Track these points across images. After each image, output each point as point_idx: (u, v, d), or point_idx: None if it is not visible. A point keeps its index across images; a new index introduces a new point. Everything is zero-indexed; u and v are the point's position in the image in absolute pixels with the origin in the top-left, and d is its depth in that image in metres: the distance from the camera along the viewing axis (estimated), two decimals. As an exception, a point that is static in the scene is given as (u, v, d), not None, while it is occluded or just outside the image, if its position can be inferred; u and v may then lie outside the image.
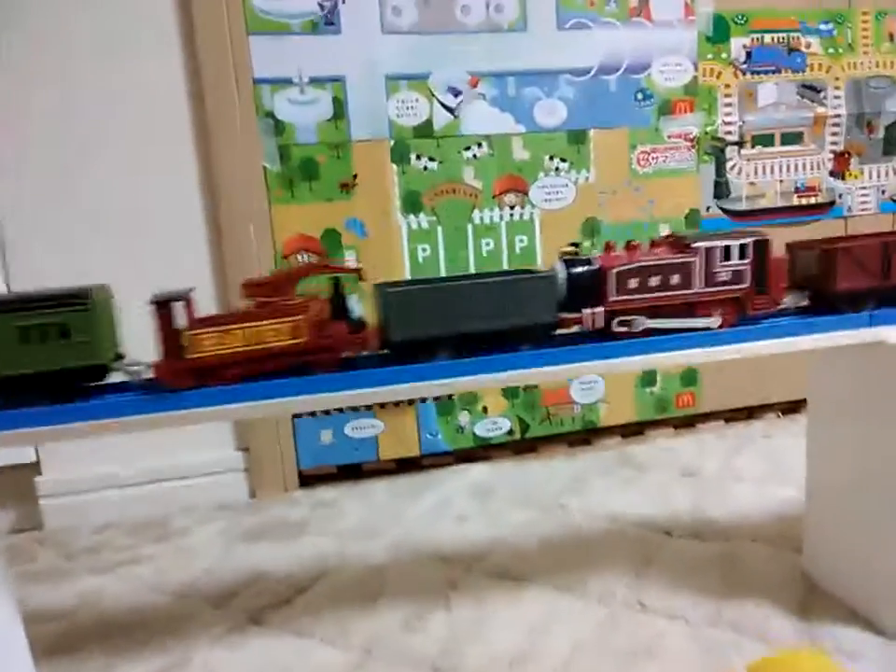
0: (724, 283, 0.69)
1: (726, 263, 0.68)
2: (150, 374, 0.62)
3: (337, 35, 1.15)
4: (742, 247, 0.69)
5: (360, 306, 0.66)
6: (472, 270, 1.23)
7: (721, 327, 0.69)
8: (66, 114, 1.07)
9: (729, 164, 1.34)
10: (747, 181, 1.36)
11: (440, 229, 1.22)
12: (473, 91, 1.21)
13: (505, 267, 1.24)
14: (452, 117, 1.20)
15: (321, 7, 1.14)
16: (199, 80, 1.11)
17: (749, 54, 1.33)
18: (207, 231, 1.15)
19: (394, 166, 1.18)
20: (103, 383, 0.62)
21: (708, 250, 0.68)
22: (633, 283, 0.67)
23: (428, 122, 1.19)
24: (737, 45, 1.32)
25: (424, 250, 1.22)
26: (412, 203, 1.20)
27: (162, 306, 0.60)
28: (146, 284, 1.10)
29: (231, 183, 1.12)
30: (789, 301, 0.73)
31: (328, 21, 1.14)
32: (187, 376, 0.61)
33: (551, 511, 1.03)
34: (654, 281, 0.68)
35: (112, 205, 1.10)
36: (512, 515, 1.03)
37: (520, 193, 1.24)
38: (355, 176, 1.17)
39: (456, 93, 1.20)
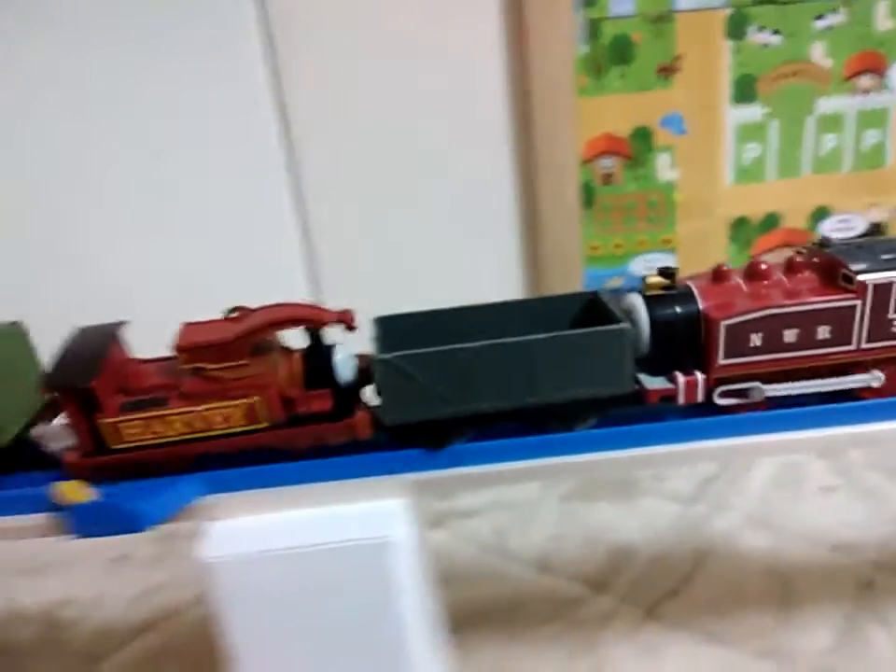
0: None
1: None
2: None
3: None
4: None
5: (352, 364, 0.46)
6: (807, 172, 0.99)
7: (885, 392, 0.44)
8: None
9: None
10: None
11: (773, 123, 0.97)
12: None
13: (847, 165, 0.98)
14: (805, -29, 0.92)
15: None
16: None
17: None
18: (511, 130, 0.95)
19: (728, 43, 0.94)
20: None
21: (881, 288, 0.42)
22: (755, 339, 0.43)
23: (775, -19, 0.92)
24: None
25: (752, 150, 0.98)
26: (745, 91, 0.95)
27: (68, 394, 0.43)
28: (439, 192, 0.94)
29: (542, 70, 0.91)
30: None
31: None
32: (109, 472, 0.45)
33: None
34: (790, 336, 0.43)
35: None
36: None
37: (877, 74, 0.97)
38: (677, 58, 0.93)
39: (817, -66, 0.92)
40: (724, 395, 0.46)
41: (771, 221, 0.99)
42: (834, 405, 0.46)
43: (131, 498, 0.42)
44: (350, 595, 0.42)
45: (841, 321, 0.44)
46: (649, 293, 0.46)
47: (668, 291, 0.46)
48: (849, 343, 0.44)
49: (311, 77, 0.89)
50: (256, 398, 0.44)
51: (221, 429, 0.44)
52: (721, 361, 0.44)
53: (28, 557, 0.85)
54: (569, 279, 0.97)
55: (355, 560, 0.41)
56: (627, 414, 0.47)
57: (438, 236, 0.96)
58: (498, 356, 0.43)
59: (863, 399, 0.47)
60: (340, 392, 0.45)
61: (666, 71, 0.93)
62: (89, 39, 0.86)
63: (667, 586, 0.71)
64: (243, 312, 0.46)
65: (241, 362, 0.44)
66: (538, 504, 0.85)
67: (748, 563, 0.73)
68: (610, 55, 0.92)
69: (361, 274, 0.96)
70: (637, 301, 0.46)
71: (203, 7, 0.86)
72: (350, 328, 0.45)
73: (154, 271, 0.94)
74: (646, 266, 1.00)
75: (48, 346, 0.49)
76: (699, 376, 0.45)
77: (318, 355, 0.46)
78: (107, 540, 0.85)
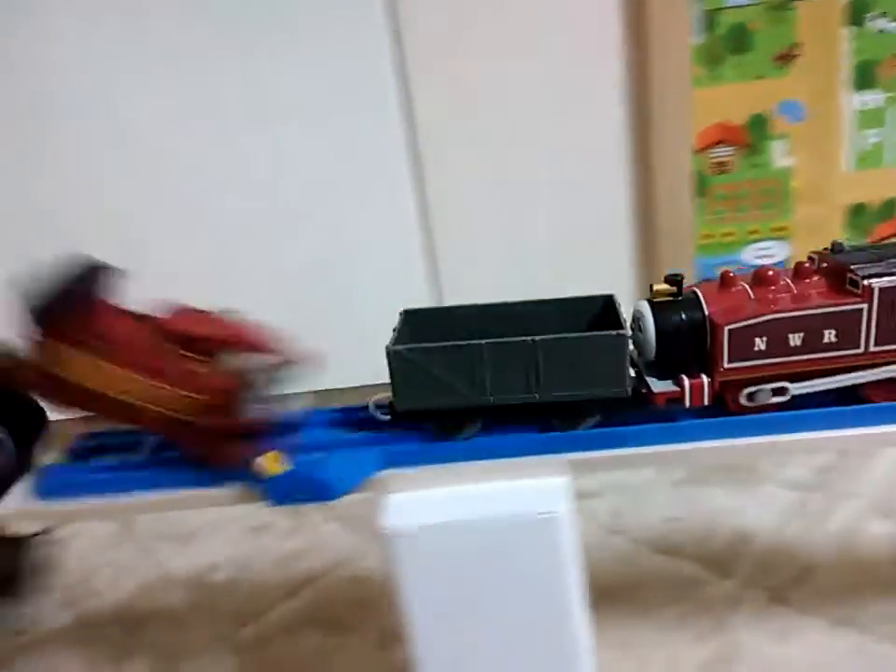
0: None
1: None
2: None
3: None
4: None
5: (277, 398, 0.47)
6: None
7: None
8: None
9: None
10: None
11: (893, 109, 0.95)
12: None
13: None
14: (926, -43, 0.89)
15: None
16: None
17: None
18: (628, 121, 0.96)
19: (847, 29, 0.92)
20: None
21: (886, 291, 0.43)
22: (759, 343, 0.44)
23: (896, -32, 0.90)
24: None
25: (871, 136, 0.96)
26: (864, 77, 0.93)
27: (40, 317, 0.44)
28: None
29: (660, 61, 0.91)
30: None
31: None
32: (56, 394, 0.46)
33: None
34: (795, 339, 0.44)
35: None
36: None
37: None
38: (795, 45, 0.92)
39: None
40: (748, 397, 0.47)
41: (890, 208, 0.97)
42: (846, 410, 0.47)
43: (322, 470, 0.46)
44: (521, 565, 0.45)
45: (847, 325, 0.44)
46: (656, 300, 0.48)
47: (675, 298, 0.48)
48: (857, 347, 0.45)
49: (435, 75, 0.92)
50: (193, 393, 0.46)
51: (154, 405, 0.46)
52: (726, 365, 0.45)
53: (175, 525, 0.92)
54: (680, 268, 0.97)
55: (527, 532, 0.44)
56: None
57: (553, 225, 0.98)
58: (501, 353, 0.46)
59: (873, 401, 0.47)
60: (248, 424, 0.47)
61: (784, 59, 0.92)
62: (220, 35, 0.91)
63: (792, 572, 0.71)
64: (224, 316, 0.48)
65: (197, 358, 0.46)
66: (652, 488, 0.87)
67: (872, 549, 0.72)
68: (726, 45, 0.91)
69: (478, 265, 0.99)
70: (644, 308, 0.48)
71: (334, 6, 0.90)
72: (285, 368, 0.47)
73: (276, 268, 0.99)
74: (756, 255, 1.00)
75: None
76: (704, 379, 0.46)
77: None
78: (246, 511, 0.90)
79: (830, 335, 0.45)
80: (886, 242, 0.46)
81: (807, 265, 0.47)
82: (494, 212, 0.98)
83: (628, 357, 0.46)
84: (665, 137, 0.93)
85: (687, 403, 0.46)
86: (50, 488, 0.49)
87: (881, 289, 0.44)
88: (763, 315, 0.44)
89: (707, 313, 0.46)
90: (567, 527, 0.45)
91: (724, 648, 0.64)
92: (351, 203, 0.97)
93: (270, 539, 0.87)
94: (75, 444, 0.53)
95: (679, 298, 0.48)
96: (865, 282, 0.44)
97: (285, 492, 0.46)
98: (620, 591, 0.72)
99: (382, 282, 0.95)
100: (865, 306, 0.44)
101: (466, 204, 0.98)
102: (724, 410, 0.48)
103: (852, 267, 0.45)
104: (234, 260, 0.99)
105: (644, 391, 0.48)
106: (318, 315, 0.98)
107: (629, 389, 0.46)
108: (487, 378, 0.46)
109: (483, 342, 0.46)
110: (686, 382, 0.46)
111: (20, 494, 0.50)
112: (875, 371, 0.46)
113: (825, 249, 0.49)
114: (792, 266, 0.48)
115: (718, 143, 0.95)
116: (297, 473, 0.46)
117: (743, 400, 0.47)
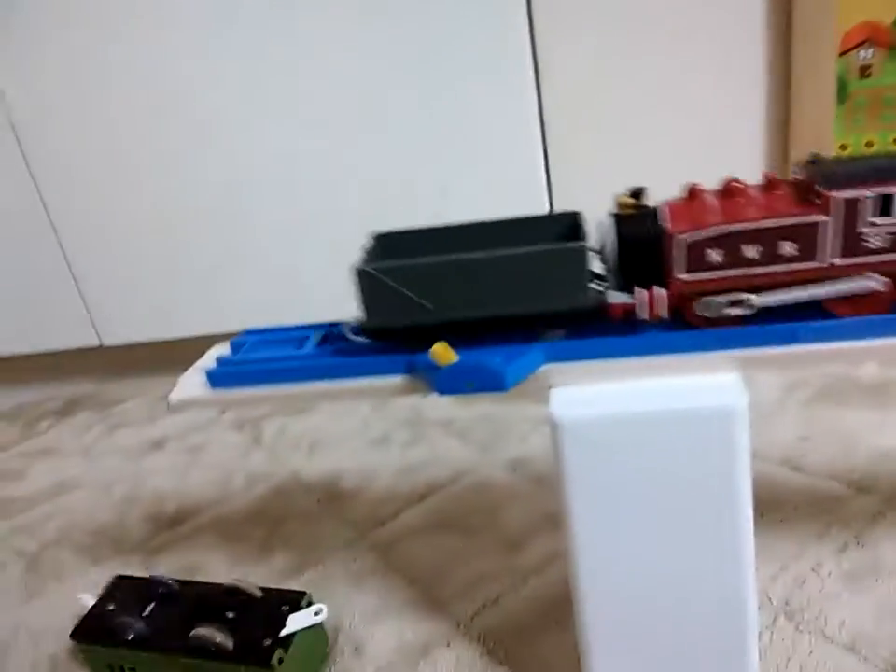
0: (876, 251, 0.42)
1: (883, 221, 0.42)
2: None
3: None
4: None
5: None
6: None
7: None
8: None
9: None
10: None
11: None
12: None
13: None
14: None
15: None
16: None
17: None
18: (768, 21, 0.89)
19: None
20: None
21: (850, 203, 0.41)
22: (715, 255, 0.44)
23: None
24: None
25: None
26: None
27: None
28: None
29: None
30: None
31: None
32: None
33: None
34: (752, 251, 0.44)
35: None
36: None
37: None
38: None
39: None
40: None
41: None
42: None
43: (494, 361, 0.47)
44: (694, 460, 0.45)
45: (807, 237, 0.43)
46: (618, 213, 0.47)
47: (638, 210, 0.47)
48: (817, 260, 0.43)
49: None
50: None
51: None
52: (680, 276, 0.45)
53: (299, 438, 0.95)
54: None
55: (703, 426, 0.44)
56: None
57: (681, 129, 0.94)
58: (464, 270, 0.46)
59: (839, 316, 0.45)
60: None
61: (943, -51, 0.83)
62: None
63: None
64: None
65: None
66: (779, 406, 0.85)
67: None
68: (878, -67, 0.83)
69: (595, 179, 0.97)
70: (605, 221, 0.48)
71: None
72: None
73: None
74: None
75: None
76: (658, 291, 0.45)
77: None
78: (365, 424, 0.92)
79: (790, 248, 0.43)
80: (864, 154, 0.45)
81: (777, 177, 0.46)
82: (618, 113, 0.95)
83: (587, 270, 0.46)
84: (807, 36, 0.87)
85: (643, 315, 0.46)
86: (223, 378, 0.51)
87: (844, 200, 0.42)
88: (718, 226, 0.44)
89: (665, 225, 0.45)
90: (744, 423, 0.44)
91: (871, 560, 0.62)
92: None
93: (391, 452, 0.89)
94: (240, 339, 0.55)
95: (641, 210, 0.47)
96: (828, 193, 0.42)
97: (454, 381, 0.47)
98: (755, 504, 0.71)
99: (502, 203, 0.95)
100: (825, 218, 0.42)
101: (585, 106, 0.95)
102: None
103: (818, 178, 0.43)
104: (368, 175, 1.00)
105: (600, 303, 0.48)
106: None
107: (590, 301, 0.47)
108: (452, 295, 0.47)
109: (445, 258, 0.46)
110: (640, 293, 0.46)
111: (193, 383, 0.53)
112: (842, 283, 0.44)
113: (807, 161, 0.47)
114: (763, 178, 0.46)
115: (862, 44, 0.88)
116: (468, 363, 0.46)
117: (701, 311, 0.46)
